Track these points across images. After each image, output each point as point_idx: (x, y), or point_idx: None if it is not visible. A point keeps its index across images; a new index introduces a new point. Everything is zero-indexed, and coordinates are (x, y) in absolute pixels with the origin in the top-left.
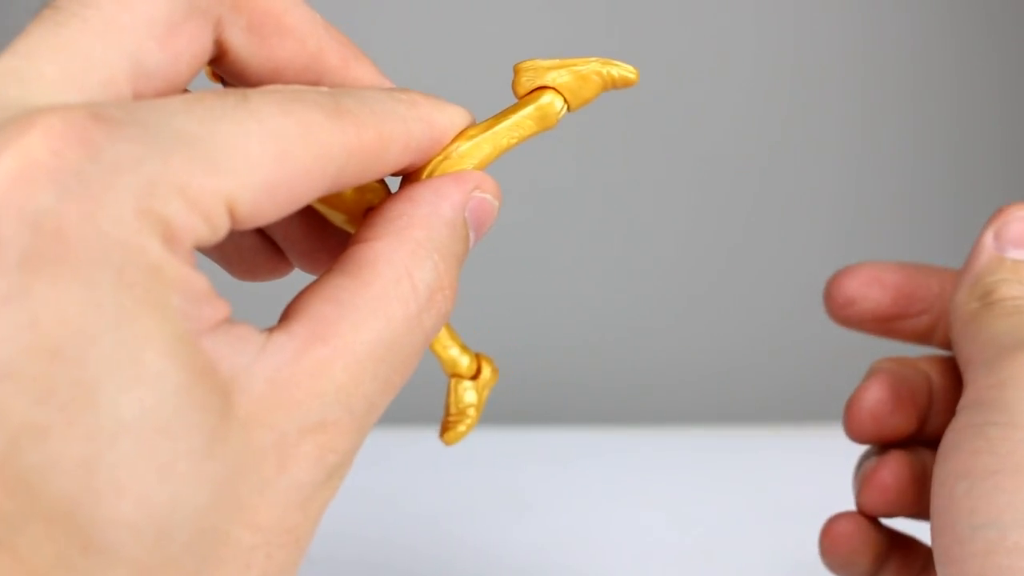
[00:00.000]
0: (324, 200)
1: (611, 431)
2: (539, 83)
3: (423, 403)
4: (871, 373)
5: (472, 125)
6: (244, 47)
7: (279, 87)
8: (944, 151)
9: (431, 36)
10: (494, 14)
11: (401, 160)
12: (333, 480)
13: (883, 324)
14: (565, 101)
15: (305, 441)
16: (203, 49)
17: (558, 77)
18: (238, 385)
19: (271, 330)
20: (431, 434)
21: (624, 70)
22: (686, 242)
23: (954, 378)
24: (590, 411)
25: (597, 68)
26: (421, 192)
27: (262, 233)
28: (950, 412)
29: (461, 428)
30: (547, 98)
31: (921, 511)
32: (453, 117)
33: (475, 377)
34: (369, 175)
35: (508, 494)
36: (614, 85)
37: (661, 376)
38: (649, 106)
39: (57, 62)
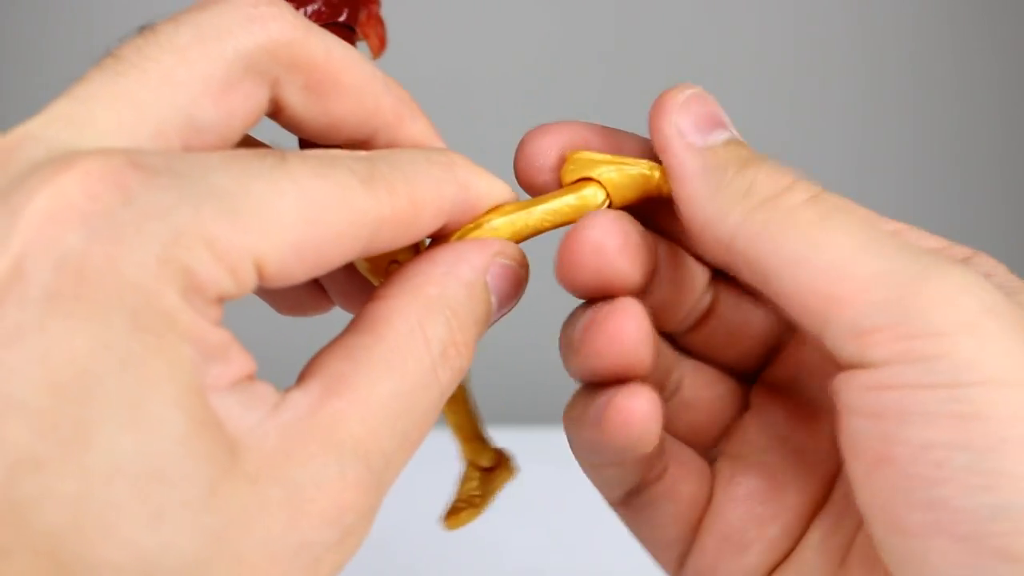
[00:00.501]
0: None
1: None
2: (585, 174)
3: None
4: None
5: (510, 202)
6: (300, 104)
7: (317, 152)
8: (945, 150)
9: (436, 35)
10: (494, 14)
11: (434, 224)
12: (347, 542)
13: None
14: (607, 196)
15: (321, 497)
16: (258, 106)
17: (605, 172)
18: (246, 442)
19: (288, 389)
20: (431, 434)
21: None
22: None
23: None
24: None
25: (645, 171)
26: (442, 254)
27: None
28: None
29: (465, 516)
30: (590, 190)
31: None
32: (492, 186)
33: (491, 470)
34: (401, 240)
35: (508, 494)
36: (658, 192)
37: None
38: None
39: (112, 109)
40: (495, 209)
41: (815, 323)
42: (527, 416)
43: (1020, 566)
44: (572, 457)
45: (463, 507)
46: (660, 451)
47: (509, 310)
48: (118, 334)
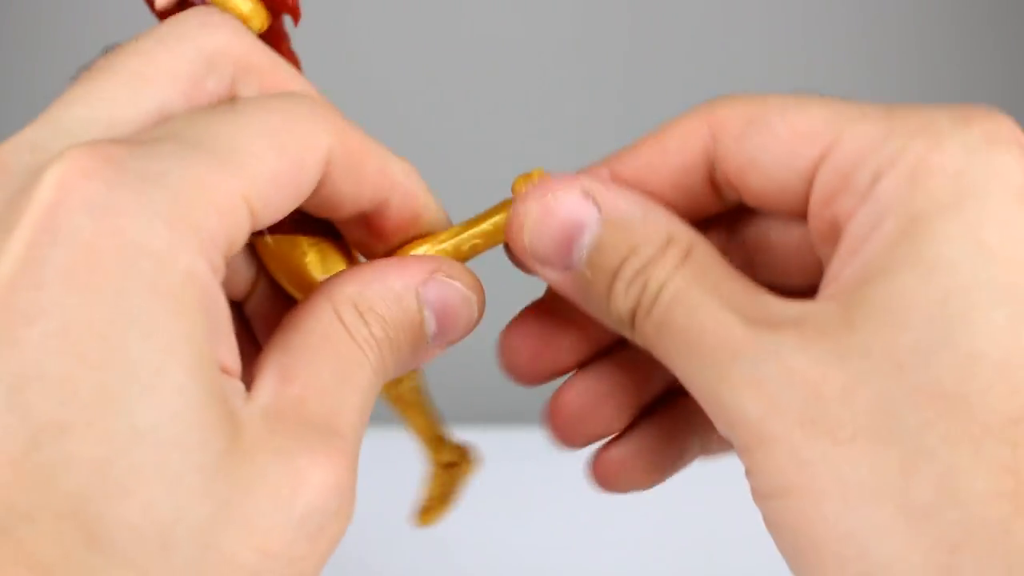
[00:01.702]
0: (291, 281)
1: None
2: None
3: None
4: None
5: (444, 231)
6: None
7: (261, 95)
8: None
9: (429, 35)
10: (495, 14)
11: (379, 185)
12: (343, 512)
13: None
14: None
15: (315, 467)
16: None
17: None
18: (239, 418)
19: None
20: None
21: None
22: None
23: None
24: None
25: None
26: (372, 264)
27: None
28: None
29: (436, 512)
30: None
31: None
32: (429, 199)
33: (455, 466)
34: (353, 179)
35: (508, 494)
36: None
37: None
38: (650, 103)
39: (89, 107)
40: (427, 238)
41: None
42: (527, 416)
43: None
44: (571, 457)
45: (433, 504)
46: None
47: (460, 333)
48: (137, 301)
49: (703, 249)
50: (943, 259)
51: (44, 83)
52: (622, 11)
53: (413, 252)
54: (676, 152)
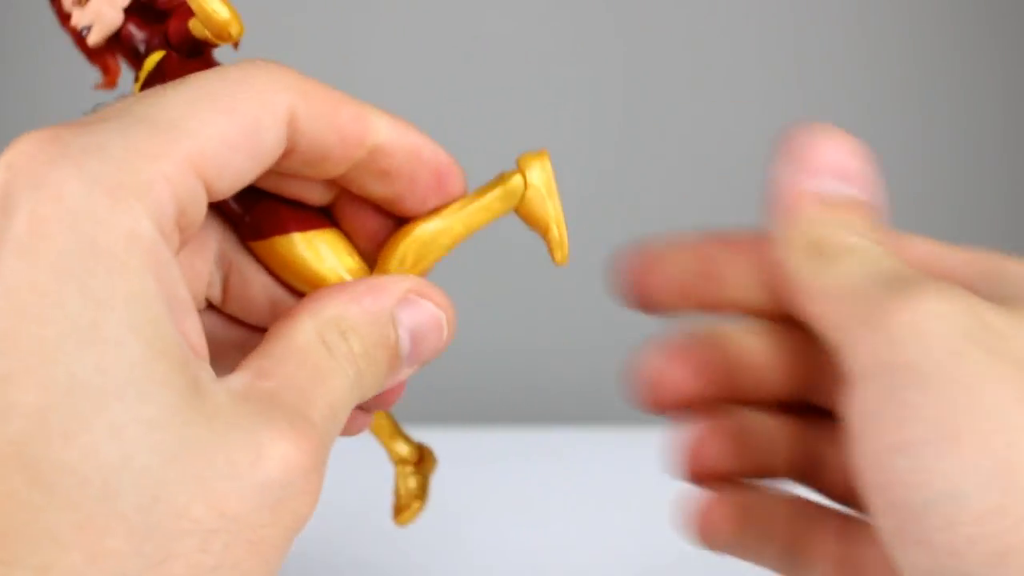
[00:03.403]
0: (296, 277)
1: (610, 431)
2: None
3: (423, 403)
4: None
5: (452, 202)
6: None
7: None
8: (947, 153)
9: (430, 35)
10: (495, 14)
11: (359, 131)
12: (307, 491)
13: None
14: (525, 182)
15: (278, 440)
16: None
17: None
18: (204, 388)
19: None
20: (430, 434)
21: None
22: None
23: (783, 342)
24: (589, 411)
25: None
26: (352, 284)
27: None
28: (779, 372)
29: (414, 508)
30: (515, 179)
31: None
32: (424, 137)
33: (418, 463)
34: (327, 129)
35: (508, 494)
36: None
37: None
38: (650, 104)
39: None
40: (434, 213)
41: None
42: (527, 416)
43: (964, 563)
44: (572, 457)
45: (408, 502)
46: None
47: (432, 353)
48: (76, 262)
49: None
50: None
51: (43, 83)
52: (623, 11)
53: (416, 231)
54: None
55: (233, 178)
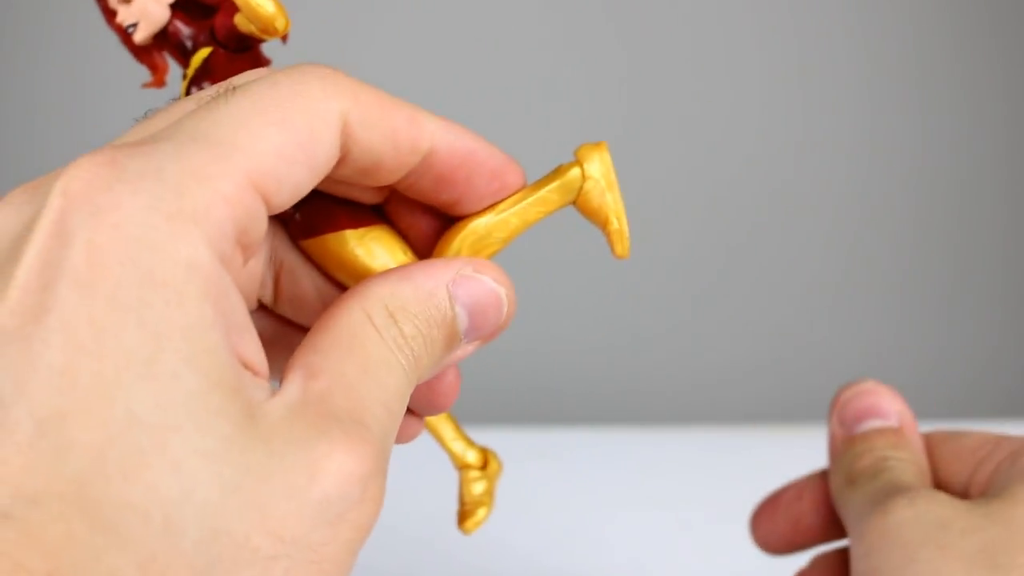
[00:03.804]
0: (349, 276)
1: (611, 431)
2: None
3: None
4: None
5: (505, 198)
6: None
7: (260, 75)
8: (947, 155)
9: (436, 34)
10: (494, 14)
11: (414, 135)
12: (367, 500)
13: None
14: (582, 172)
15: (334, 453)
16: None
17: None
18: (258, 410)
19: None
20: (420, 443)
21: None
22: (687, 245)
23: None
24: (590, 411)
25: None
26: (404, 267)
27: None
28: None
29: (480, 515)
30: (573, 172)
31: None
32: (479, 139)
33: (483, 468)
34: (382, 134)
35: (508, 494)
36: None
37: (661, 377)
38: (652, 105)
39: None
40: (487, 208)
41: None
42: (527, 416)
43: None
44: (572, 457)
45: (474, 508)
46: None
47: (493, 329)
48: (132, 291)
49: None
50: None
51: (43, 84)
52: (623, 11)
53: (472, 225)
54: None
55: (291, 190)
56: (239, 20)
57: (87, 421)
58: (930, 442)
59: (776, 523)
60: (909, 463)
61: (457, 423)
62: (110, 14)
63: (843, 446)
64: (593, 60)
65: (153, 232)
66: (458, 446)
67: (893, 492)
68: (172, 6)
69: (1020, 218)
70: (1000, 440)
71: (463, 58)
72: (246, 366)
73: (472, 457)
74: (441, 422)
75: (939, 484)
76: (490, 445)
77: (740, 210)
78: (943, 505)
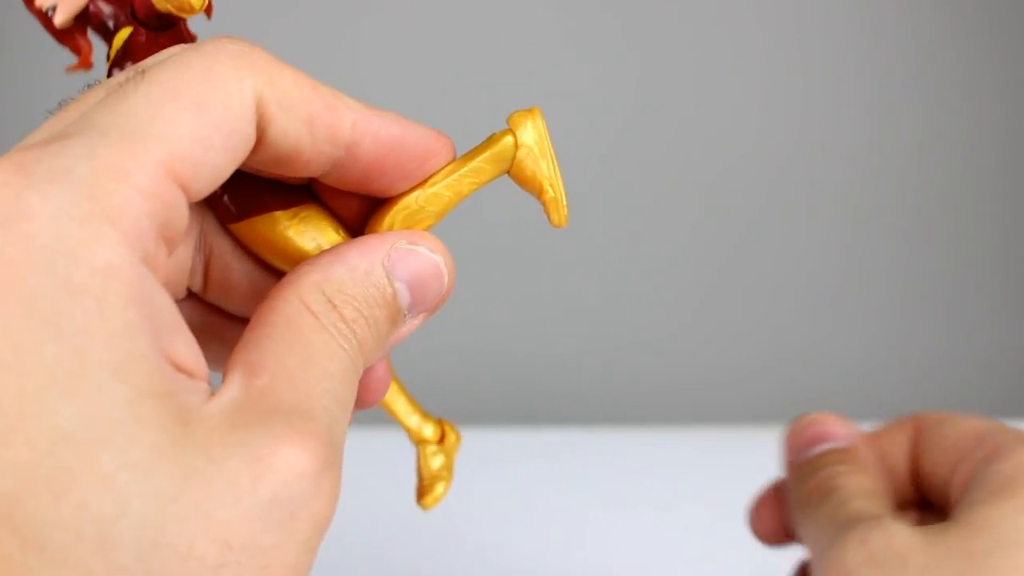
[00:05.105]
0: (283, 259)
1: (609, 431)
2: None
3: (422, 405)
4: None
5: (437, 172)
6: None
7: (172, 57)
8: (947, 155)
9: (427, 34)
10: (494, 13)
11: (333, 122)
12: (320, 495)
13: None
14: (515, 140)
15: (279, 449)
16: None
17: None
18: (194, 415)
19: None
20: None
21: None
22: (687, 245)
23: None
24: (589, 411)
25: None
26: (335, 247)
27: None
28: None
29: (439, 490)
30: (507, 139)
31: None
32: (406, 123)
33: (441, 442)
34: (298, 118)
35: (508, 494)
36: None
37: (659, 377)
38: (652, 107)
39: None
40: (417, 184)
41: None
42: (527, 416)
43: None
44: (572, 457)
45: (432, 483)
46: None
47: (435, 301)
48: (50, 302)
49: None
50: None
51: (43, 84)
52: (624, 10)
53: (404, 200)
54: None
55: (210, 176)
56: None
57: (12, 440)
58: (919, 426)
59: (773, 514)
60: (858, 475)
61: (410, 396)
62: None
63: (795, 472)
64: (593, 60)
65: (67, 238)
66: (413, 420)
67: (845, 526)
68: None
69: (1020, 218)
70: (982, 437)
71: (463, 58)
72: (180, 369)
73: (429, 431)
74: (394, 396)
75: (922, 475)
76: (489, 446)
77: (740, 210)
78: (900, 539)
